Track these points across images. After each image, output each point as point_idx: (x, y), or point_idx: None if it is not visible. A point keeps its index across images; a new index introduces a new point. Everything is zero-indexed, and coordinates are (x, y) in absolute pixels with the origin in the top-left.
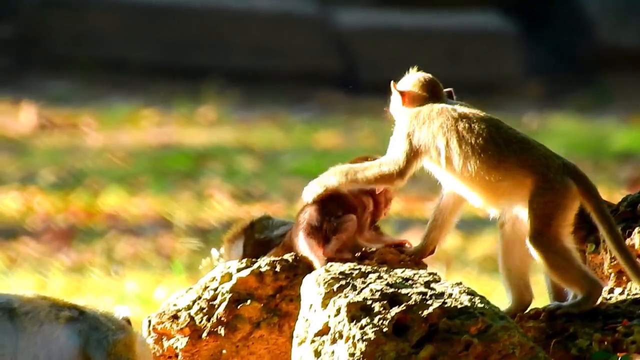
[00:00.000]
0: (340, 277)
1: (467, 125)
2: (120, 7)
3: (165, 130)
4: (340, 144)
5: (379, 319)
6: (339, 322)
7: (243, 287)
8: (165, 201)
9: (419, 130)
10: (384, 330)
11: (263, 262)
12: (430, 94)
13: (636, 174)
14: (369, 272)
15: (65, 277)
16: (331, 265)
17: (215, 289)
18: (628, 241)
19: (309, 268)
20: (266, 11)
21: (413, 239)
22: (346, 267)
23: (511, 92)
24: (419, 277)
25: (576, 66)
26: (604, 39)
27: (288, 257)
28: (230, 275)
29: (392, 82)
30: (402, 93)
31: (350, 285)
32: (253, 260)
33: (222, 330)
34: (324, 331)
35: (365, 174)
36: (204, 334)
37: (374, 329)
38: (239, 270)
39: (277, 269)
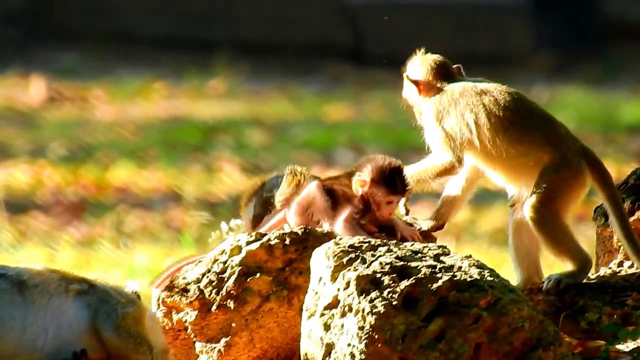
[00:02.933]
0: (350, 250)
1: (492, 98)
2: None
3: (175, 103)
4: (350, 116)
5: (389, 292)
6: (348, 295)
7: (252, 260)
8: (175, 174)
9: (447, 115)
10: (394, 303)
11: (272, 235)
12: (445, 76)
13: None
14: (379, 245)
15: (75, 251)
16: (341, 238)
17: (225, 262)
18: (637, 214)
19: (319, 240)
20: None
21: (421, 214)
22: (355, 240)
23: (521, 64)
24: (429, 250)
25: (585, 38)
26: (613, 11)
27: (297, 230)
28: (239, 248)
29: (404, 73)
30: (416, 83)
31: (360, 258)
32: (262, 233)
33: (231, 304)
34: (334, 304)
35: (428, 174)
36: (213, 307)
37: (383, 302)
38: (248, 243)
39: (287, 242)
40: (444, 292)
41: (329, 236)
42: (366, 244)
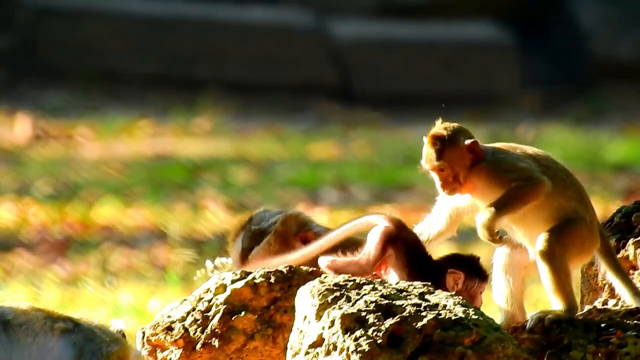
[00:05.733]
0: (335, 288)
1: (532, 151)
2: (117, 18)
3: (160, 141)
4: (336, 154)
5: (373, 331)
6: (333, 334)
7: (237, 299)
8: (160, 212)
9: (504, 161)
10: (378, 341)
11: (257, 274)
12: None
13: (631, 185)
14: (364, 284)
15: (59, 289)
16: (326, 277)
17: (210, 301)
18: (622, 252)
19: (304, 279)
20: (263, 23)
21: None
22: (341, 278)
23: (507, 103)
24: (413, 288)
25: (572, 77)
26: (600, 50)
27: (283, 268)
28: (224, 287)
29: (466, 142)
30: (473, 148)
31: (345, 296)
32: (247, 271)
33: (216, 342)
34: (318, 343)
35: (517, 201)
36: (198, 346)
37: (368, 341)
38: (233, 281)
39: (272, 280)
40: (428, 330)
41: (313, 275)
42: (351, 282)
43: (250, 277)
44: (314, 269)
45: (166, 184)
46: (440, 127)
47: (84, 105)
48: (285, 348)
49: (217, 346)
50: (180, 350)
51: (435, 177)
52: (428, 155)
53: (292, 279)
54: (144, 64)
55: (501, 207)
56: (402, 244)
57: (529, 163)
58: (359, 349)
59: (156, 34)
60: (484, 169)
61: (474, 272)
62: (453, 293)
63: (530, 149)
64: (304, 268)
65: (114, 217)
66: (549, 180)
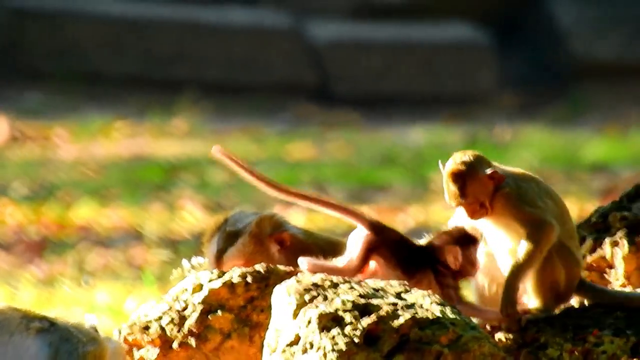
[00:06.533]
0: (312, 287)
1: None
2: (95, 20)
3: (137, 142)
4: (314, 156)
5: (350, 330)
6: (310, 333)
7: (214, 298)
8: (137, 213)
9: (525, 192)
10: (355, 340)
11: (234, 273)
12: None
13: (608, 185)
14: (340, 283)
15: (36, 289)
16: (302, 276)
17: (186, 300)
18: (599, 251)
19: (281, 278)
20: (241, 24)
21: None
22: (318, 277)
23: (485, 103)
24: (390, 287)
25: (550, 77)
26: (579, 50)
27: (260, 267)
28: (201, 286)
29: (486, 172)
30: (494, 177)
31: (322, 295)
32: (224, 271)
33: (192, 341)
34: (295, 342)
35: (535, 253)
36: (175, 345)
37: (345, 340)
38: (210, 281)
39: (249, 280)
40: (405, 329)
41: (290, 274)
42: (328, 282)
43: (227, 276)
44: (292, 268)
45: (143, 185)
46: (458, 162)
47: (61, 107)
48: (262, 347)
49: (193, 345)
50: (157, 350)
51: (461, 209)
52: (451, 193)
53: (269, 279)
54: (122, 65)
55: (524, 263)
56: (386, 248)
57: (546, 202)
58: (335, 348)
59: (134, 35)
60: (505, 195)
61: (465, 241)
62: (429, 292)
63: (544, 184)
64: (281, 267)
65: (90, 218)
66: (557, 226)
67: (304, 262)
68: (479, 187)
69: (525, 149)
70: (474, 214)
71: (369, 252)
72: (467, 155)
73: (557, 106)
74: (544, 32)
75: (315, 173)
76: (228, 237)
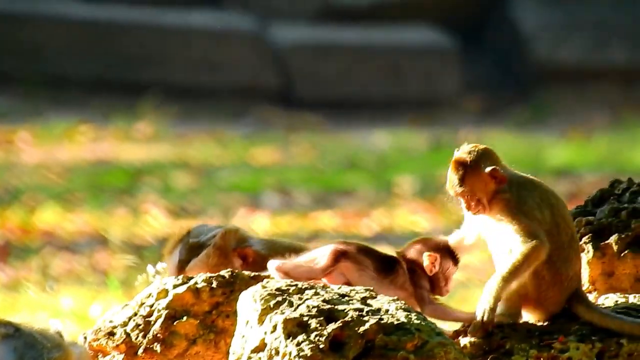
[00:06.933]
0: (277, 293)
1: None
2: (59, 23)
3: (101, 146)
4: (278, 159)
5: (316, 336)
6: (275, 339)
7: (179, 304)
8: (101, 217)
9: (525, 201)
10: (321, 346)
11: (199, 279)
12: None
13: (573, 189)
14: (306, 289)
15: (0, 294)
16: (268, 282)
17: (152, 305)
18: None
19: (246, 284)
20: (204, 27)
21: None
22: (283, 283)
23: (449, 107)
24: (356, 293)
25: (514, 82)
26: (542, 54)
27: (225, 273)
28: (166, 292)
29: (486, 169)
30: (496, 176)
31: (287, 301)
32: (189, 276)
33: (158, 347)
34: (261, 348)
35: (522, 267)
36: (140, 351)
37: (310, 346)
38: (175, 286)
39: (214, 285)
40: (371, 335)
41: (256, 279)
42: (293, 287)
43: (192, 281)
44: (256, 273)
45: (107, 189)
46: (464, 151)
47: (25, 110)
48: (228, 353)
49: (159, 351)
50: (122, 356)
51: (460, 200)
52: (451, 180)
53: (234, 284)
54: (85, 68)
55: (510, 276)
56: (354, 251)
57: (544, 214)
58: (301, 354)
59: (98, 38)
60: (504, 201)
61: (448, 254)
62: (395, 298)
63: (548, 193)
64: (246, 273)
65: (54, 222)
66: (548, 244)
67: (272, 263)
68: (478, 181)
69: None
70: (470, 207)
71: (339, 256)
72: (475, 148)
73: (521, 110)
74: (508, 36)
75: (280, 177)
76: (191, 248)
